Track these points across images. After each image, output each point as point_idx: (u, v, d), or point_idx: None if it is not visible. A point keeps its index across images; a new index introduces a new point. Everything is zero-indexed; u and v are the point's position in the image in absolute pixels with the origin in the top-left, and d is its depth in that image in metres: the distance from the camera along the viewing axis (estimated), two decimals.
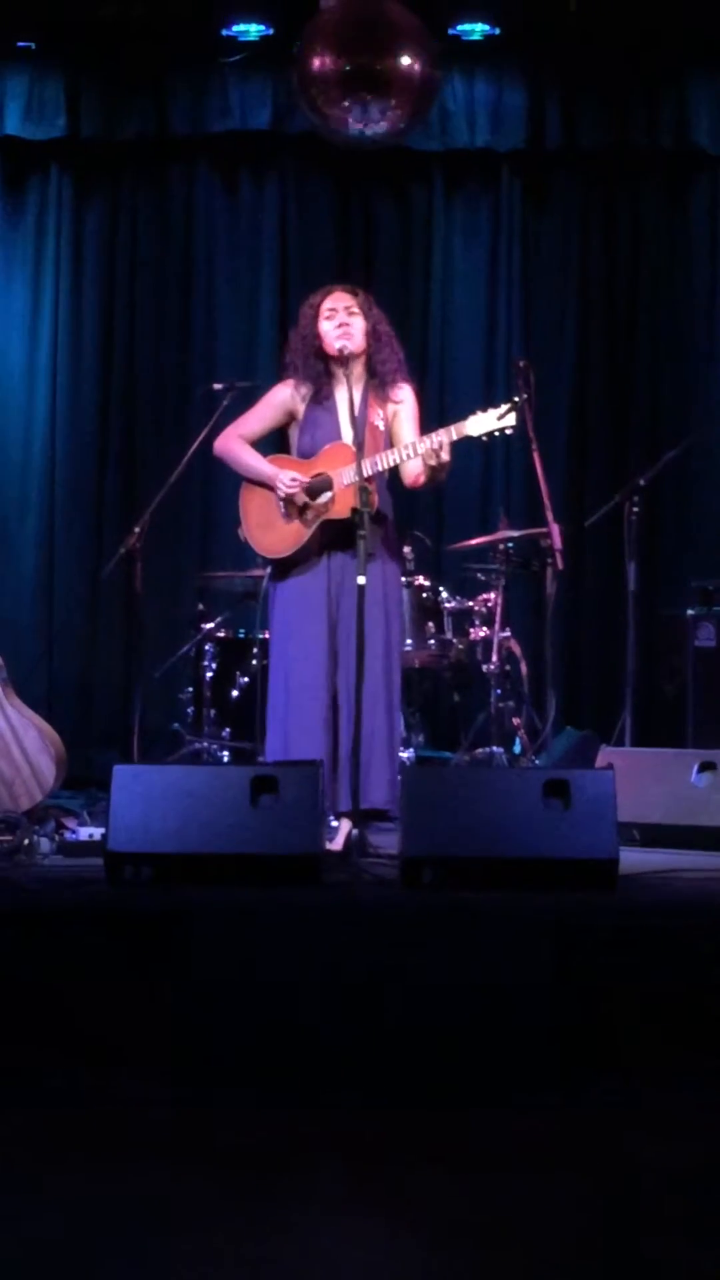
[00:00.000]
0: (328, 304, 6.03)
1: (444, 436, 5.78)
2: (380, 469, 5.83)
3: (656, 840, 6.26)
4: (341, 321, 5.99)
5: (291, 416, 6.14)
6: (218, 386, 7.39)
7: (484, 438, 5.85)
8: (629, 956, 4.42)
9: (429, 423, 6.05)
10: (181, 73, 9.16)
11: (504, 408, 5.81)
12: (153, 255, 9.48)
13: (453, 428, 5.81)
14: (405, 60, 7.81)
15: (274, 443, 6.31)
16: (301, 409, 6.08)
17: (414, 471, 5.96)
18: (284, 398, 6.14)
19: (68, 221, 9.41)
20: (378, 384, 6.01)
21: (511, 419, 5.79)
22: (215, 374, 8.61)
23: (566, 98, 9.21)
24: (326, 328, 6.01)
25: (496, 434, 5.82)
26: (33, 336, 9.40)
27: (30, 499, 9.36)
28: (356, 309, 6.02)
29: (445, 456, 5.78)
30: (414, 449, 5.83)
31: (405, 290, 9.45)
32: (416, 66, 7.89)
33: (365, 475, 5.67)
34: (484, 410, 5.84)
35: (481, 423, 5.81)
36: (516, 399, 5.96)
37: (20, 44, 8.99)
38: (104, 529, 9.30)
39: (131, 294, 9.47)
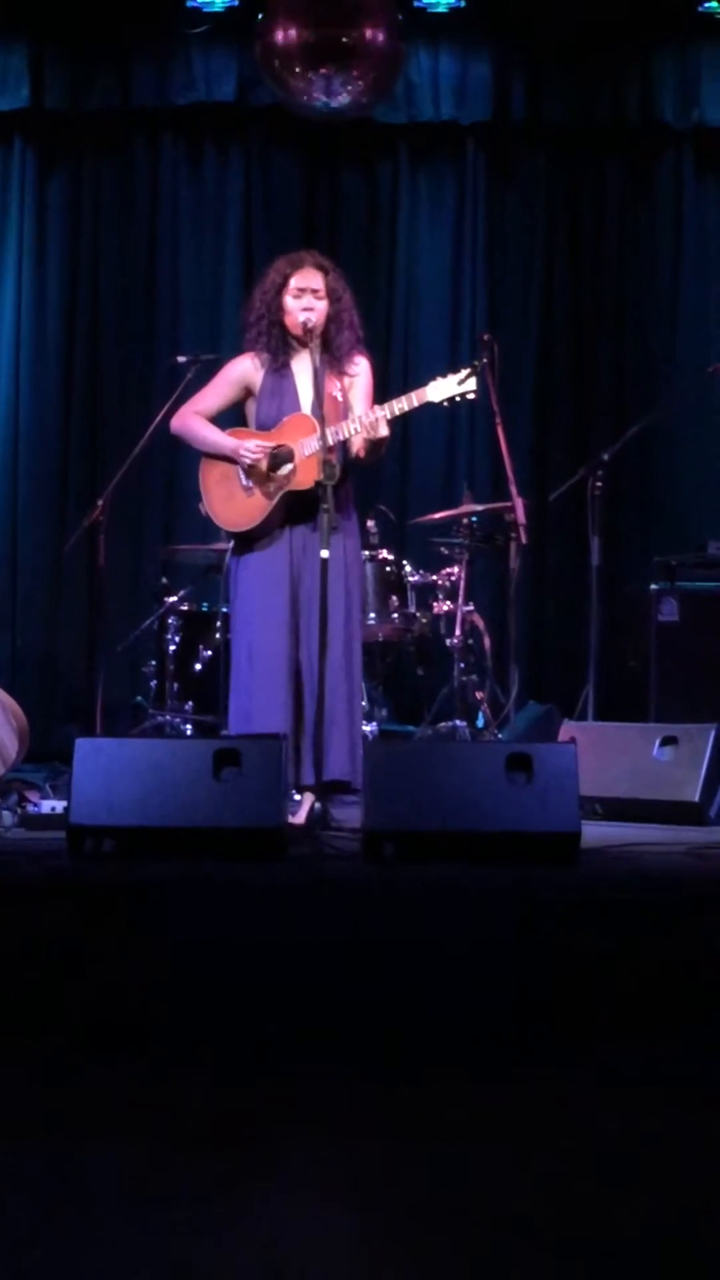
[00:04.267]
0: (296, 280, 6.00)
1: (404, 403, 5.80)
2: (341, 438, 5.82)
3: (618, 814, 6.29)
4: (307, 305, 5.98)
5: (249, 391, 6.12)
6: (182, 359, 7.36)
7: (445, 403, 5.87)
8: (591, 930, 4.44)
9: (392, 396, 6.03)
10: (146, 44, 9.12)
11: (464, 372, 5.85)
12: (117, 227, 9.44)
13: (413, 394, 5.84)
14: (369, 32, 7.80)
15: (232, 419, 6.30)
16: (259, 379, 6.07)
17: (355, 445, 5.96)
18: (241, 371, 6.12)
19: (31, 193, 9.36)
20: (332, 359, 6.00)
21: (472, 384, 5.82)
22: (179, 347, 8.57)
23: (532, 71, 9.20)
24: (291, 304, 5.99)
25: (458, 399, 5.85)
26: None
27: None
28: (324, 293, 6.00)
29: (383, 431, 5.79)
30: (364, 420, 5.82)
31: (370, 263, 9.43)
32: (380, 39, 7.88)
33: (327, 445, 5.65)
34: (444, 376, 5.86)
35: (442, 388, 5.85)
36: (476, 363, 5.99)
37: None
38: (67, 502, 9.27)
39: (95, 266, 9.43)
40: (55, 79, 9.10)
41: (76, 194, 9.42)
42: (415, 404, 5.83)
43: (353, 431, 5.82)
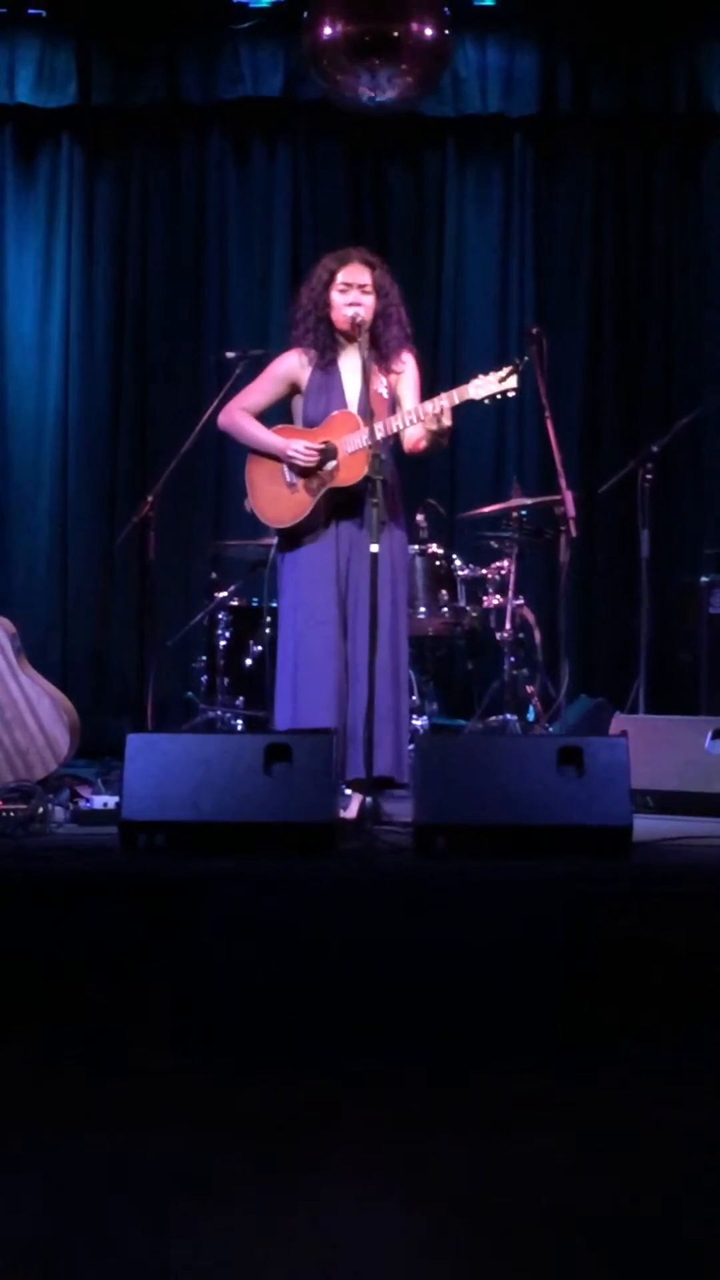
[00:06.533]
0: (343, 275, 6.00)
1: (445, 401, 5.76)
2: (386, 435, 5.81)
3: (670, 807, 6.27)
4: (354, 300, 5.97)
5: (295, 388, 6.13)
6: (230, 354, 7.38)
7: (486, 400, 5.82)
8: (643, 923, 4.43)
9: (439, 390, 6.01)
10: (193, 40, 9.14)
11: (505, 370, 5.79)
12: (165, 223, 9.47)
13: (454, 392, 5.80)
14: (415, 26, 7.80)
15: (278, 415, 6.30)
16: (306, 376, 6.07)
17: (414, 437, 5.94)
18: (288, 368, 6.12)
19: (79, 190, 9.40)
20: (379, 356, 5.99)
21: (514, 381, 5.77)
22: (228, 342, 8.62)
23: (578, 62, 9.19)
24: (338, 299, 5.99)
25: (499, 397, 5.80)
26: (44, 306, 9.40)
27: (44, 468, 9.36)
28: (371, 288, 5.99)
29: (446, 422, 5.77)
30: (416, 414, 5.81)
31: (418, 257, 9.44)
32: (427, 32, 7.87)
33: (372, 441, 5.65)
34: (486, 374, 5.83)
35: (483, 386, 5.79)
36: (517, 361, 5.94)
37: (31, 11, 8.97)
38: (117, 498, 9.30)
39: (143, 262, 9.46)
40: (102, 76, 9.13)
41: (124, 191, 9.45)
42: (456, 401, 5.78)
43: (404, 425, 5.81)
